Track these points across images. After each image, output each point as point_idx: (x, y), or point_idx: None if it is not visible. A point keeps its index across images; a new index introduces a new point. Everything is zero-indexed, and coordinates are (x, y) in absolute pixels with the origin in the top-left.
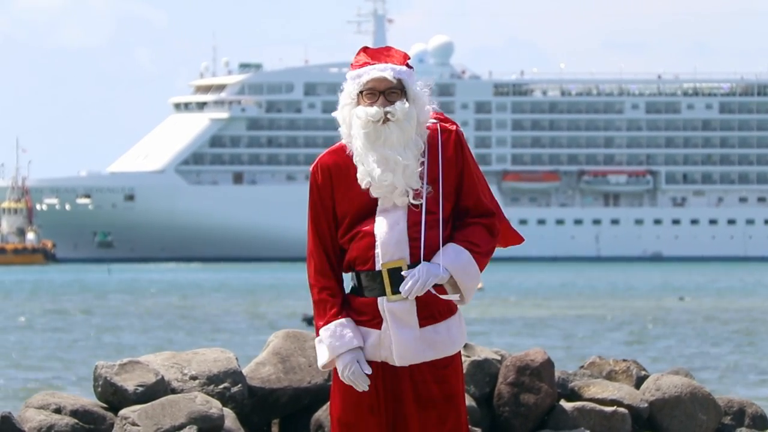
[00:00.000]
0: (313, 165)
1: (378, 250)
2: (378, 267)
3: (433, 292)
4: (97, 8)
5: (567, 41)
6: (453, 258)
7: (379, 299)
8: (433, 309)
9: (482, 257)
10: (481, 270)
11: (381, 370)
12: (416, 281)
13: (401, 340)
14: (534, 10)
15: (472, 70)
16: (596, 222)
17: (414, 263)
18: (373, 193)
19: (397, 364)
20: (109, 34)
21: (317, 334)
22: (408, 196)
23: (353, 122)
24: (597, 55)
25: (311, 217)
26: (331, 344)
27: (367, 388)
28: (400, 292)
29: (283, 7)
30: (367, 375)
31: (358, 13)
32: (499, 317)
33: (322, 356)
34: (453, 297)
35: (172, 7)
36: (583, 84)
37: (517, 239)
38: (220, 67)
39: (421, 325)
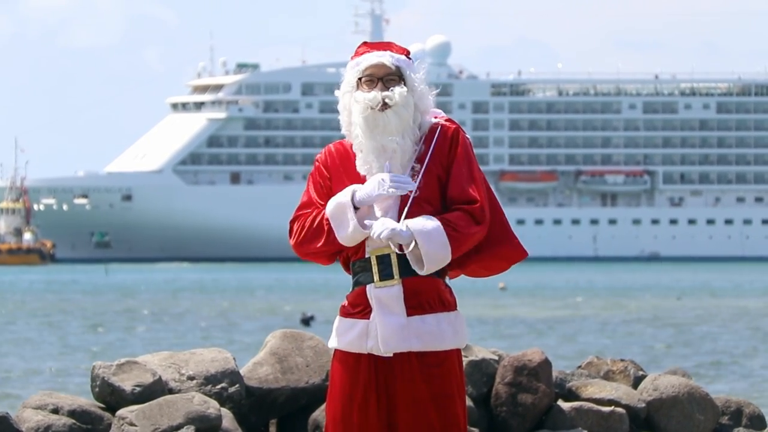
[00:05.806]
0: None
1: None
2: (367, 254)
3: (408, 252)
4: (105, 8)
5: (566, 41)
6: (421, 222)
7: (368, 286)
8: (422, 299)
9: (458, 235)
10: (456, 250)
11: (370, 365)
12: (381, 224)
13: (387, 326)
14: (534, 10)
15: (469, 70)
16: (594, 222)
17: (402, 252)
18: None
19: (382, 351)
20: (112, 35)
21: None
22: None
23: (353, 108)
24: (597, 55)
25: (306, 189)
26: (343, 194)
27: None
28: (387, 279)
29: (281, 7)
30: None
31: (356, 13)
32: (496, 317)
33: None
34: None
35: (171, 7)
36: (580, 84)
37: (520, 254)
38: (218, 67)
39: (409, 314)
